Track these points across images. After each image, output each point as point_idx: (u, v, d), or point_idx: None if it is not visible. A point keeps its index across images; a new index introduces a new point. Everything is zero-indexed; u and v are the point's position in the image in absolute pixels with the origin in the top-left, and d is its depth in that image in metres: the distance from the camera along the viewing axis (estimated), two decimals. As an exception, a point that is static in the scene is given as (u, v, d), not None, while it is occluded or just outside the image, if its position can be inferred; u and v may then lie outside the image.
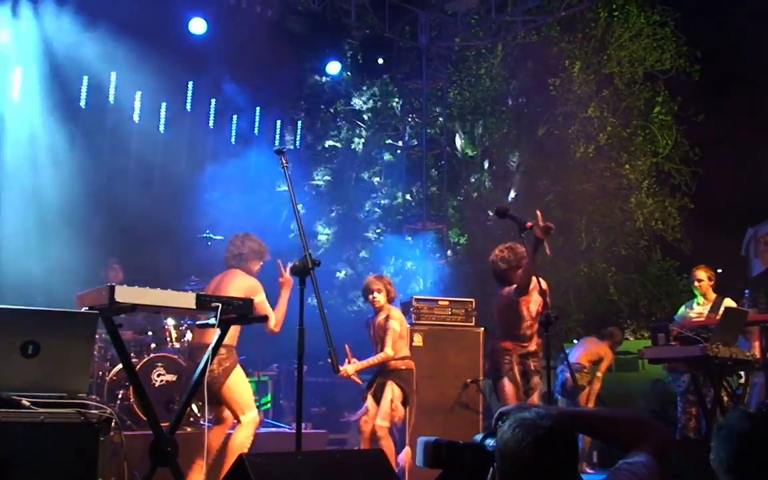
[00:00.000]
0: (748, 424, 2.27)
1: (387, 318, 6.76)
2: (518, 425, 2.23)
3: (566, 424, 2.28)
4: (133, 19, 9.45)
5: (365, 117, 15.12)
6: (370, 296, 6.85)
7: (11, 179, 9.19)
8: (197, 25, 10.26)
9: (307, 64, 13.38)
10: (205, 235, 8.13)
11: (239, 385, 5.79)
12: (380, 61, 13.74)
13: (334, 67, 12.18)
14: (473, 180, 15.94)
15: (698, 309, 7.71)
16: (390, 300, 6.90)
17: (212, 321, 4.23)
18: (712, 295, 7.68)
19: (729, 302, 7.53)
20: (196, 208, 12.29)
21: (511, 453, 2.22)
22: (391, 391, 6.64)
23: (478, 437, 2.38)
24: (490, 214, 14.43)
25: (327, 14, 11.07)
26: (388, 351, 6.65)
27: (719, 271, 9.03)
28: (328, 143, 14.61)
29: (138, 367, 7.06)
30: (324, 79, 13.84)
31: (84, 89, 10.17)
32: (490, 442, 2.32)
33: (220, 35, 10.50)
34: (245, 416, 5.77)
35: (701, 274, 7.74)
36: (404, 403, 6.71)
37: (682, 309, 8.04)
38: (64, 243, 8.86)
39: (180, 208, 10.98)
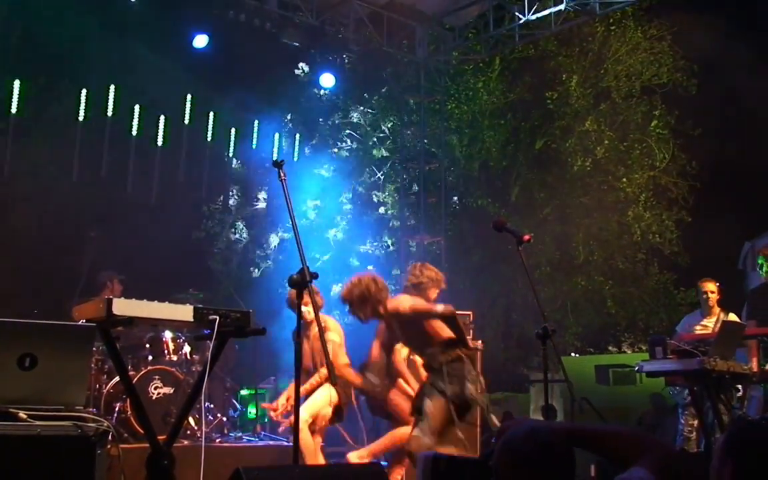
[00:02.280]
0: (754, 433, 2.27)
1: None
2: (512, 441, 2.23)
3: (561, 440, 2.27)
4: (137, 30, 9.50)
5: (362, 130, 15.17)
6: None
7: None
8: (200, 40, 10.27)
9: (305, 77, 13.41)
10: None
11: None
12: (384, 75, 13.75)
13: (328, 80, 12.16)
14: (471, 193, 15.96)
15: (705, 322, 7.69)
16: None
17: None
18: (717, 309, 7.69)
19: (733, 317, 7.53)
20: (194, 221, 12.33)
21: (504, 469, 2.21)
22: (329, 393, 6.37)
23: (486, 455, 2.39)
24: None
25: (325, 28, 11.11)
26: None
27: (717, 284, 9.05)
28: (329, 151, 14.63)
29: (135, 379, 7.05)
30: (322, 91, 13.87)
31: (83, 102, 10.17)
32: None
33: (220, 49, 10.52)
34: None
35: (711, 286, 7.74)
36: (339, 413, 6.48)
37: (685, 320, 8.03)
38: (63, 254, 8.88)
39: (178, 221, 11.01)
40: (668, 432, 8.97)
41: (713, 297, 7.68)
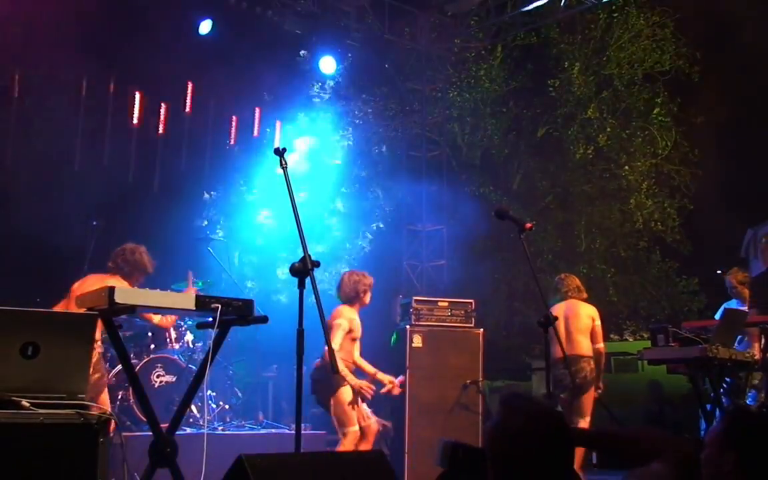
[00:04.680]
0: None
1: None
2: (516, 436, 2.23)
3: (562, 422, 2.27)
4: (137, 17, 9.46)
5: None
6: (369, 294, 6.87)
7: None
8: (204, 26, 10.22)
9: (306, 65, 13.35)
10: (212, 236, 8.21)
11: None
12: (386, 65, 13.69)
13: (328, 65, 12.05)
14: (473, 181, 15.94)
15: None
16: None
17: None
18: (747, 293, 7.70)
19: None
20: (195, 208, 12.31)
21: (512, 461, 2.21)
22: None
23: None
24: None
25: (327, 15, 11.08)
26: None
27: (718, 272, 9.05)
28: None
29: (137, 367, 7.07)
30: (325, 79, 13.79)
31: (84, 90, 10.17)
32: None
33: (221, 36, 10.48)
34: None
35: (740, 277, 7.79)
36: None
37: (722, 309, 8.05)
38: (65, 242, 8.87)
39: (179, 208, 11.00)
40: (668, 421, 8.98)
41: (741, 288, 7.75)
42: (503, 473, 2.20)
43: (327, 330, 4.18)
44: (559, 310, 7.52)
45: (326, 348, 6.19)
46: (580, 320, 7.59)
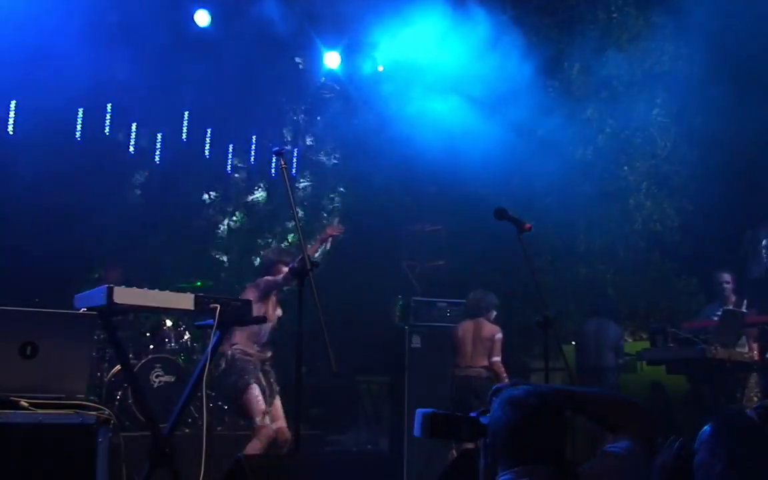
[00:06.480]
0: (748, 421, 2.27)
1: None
2: (508, 402, 2.28)
3: (555, 402, 2.32)
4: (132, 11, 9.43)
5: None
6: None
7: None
8: (202, 18, 10.17)
9: (306, 64, 13.33)
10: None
11: None
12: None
13: (332, 60, 11.90)
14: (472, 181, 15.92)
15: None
16: None
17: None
18: (733, 298, 7.73)
19: None
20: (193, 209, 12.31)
21: (501, 429, 2.26)
22: None
23: (474, 413, 2.45)
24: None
25: (325, 12, 11.05)
26: None
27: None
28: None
29: (136, 367, 7.07)
30: (323, 78, 13.76)
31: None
32: (485, 418, 2.39)
33: (221, 33, 10.45)
34: None
35: (728, 276, 7.82)
36: None
37: (706, 310, 8.07)
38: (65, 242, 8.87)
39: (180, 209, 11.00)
40: (667, 421, 8.97)
41: (728, 287, 7.78)
42: (504, 445, 2.25)
43: (325, 330, 4.16)
44: (591, 325, 9.14)
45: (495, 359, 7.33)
46: (609, 338, 9.18)
